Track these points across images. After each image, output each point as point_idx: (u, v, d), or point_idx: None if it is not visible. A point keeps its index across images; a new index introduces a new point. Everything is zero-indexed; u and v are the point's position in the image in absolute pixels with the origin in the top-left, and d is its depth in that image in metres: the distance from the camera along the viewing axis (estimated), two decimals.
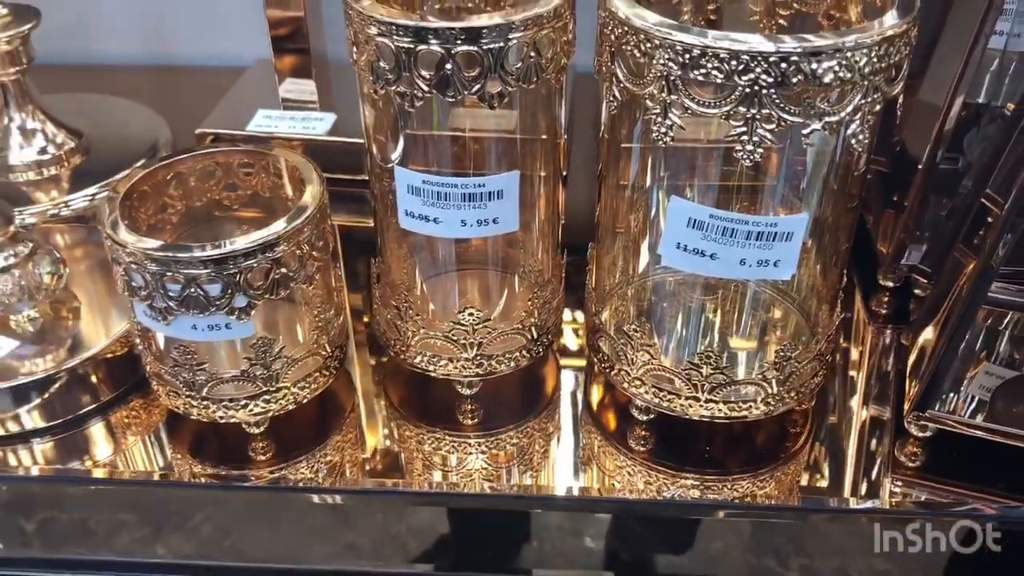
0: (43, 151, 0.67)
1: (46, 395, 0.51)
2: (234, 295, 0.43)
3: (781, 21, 0.48)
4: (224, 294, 0.43)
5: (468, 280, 0.53)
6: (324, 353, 0.49)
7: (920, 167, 0.53)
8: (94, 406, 0.52)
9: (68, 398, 0.51)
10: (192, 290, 0.43)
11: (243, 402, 0.47)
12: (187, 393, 0.47)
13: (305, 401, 0.49)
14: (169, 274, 0.43)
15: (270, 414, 0.48)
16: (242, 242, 0.43)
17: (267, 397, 0.48)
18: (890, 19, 0.37)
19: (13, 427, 0.50)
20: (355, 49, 0.42)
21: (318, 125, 0.71)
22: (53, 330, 0.53)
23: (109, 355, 0.52)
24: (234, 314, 0.44)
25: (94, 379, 0.52)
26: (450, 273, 0.52)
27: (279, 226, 0.44)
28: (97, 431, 0.52)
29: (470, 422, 0.52)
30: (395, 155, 0.46)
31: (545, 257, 0.50)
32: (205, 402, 0.47)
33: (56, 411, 0.51)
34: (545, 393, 0.54)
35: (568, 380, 0.55)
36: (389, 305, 0.50)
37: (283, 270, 0.44)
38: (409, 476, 0.49)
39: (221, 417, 0.48)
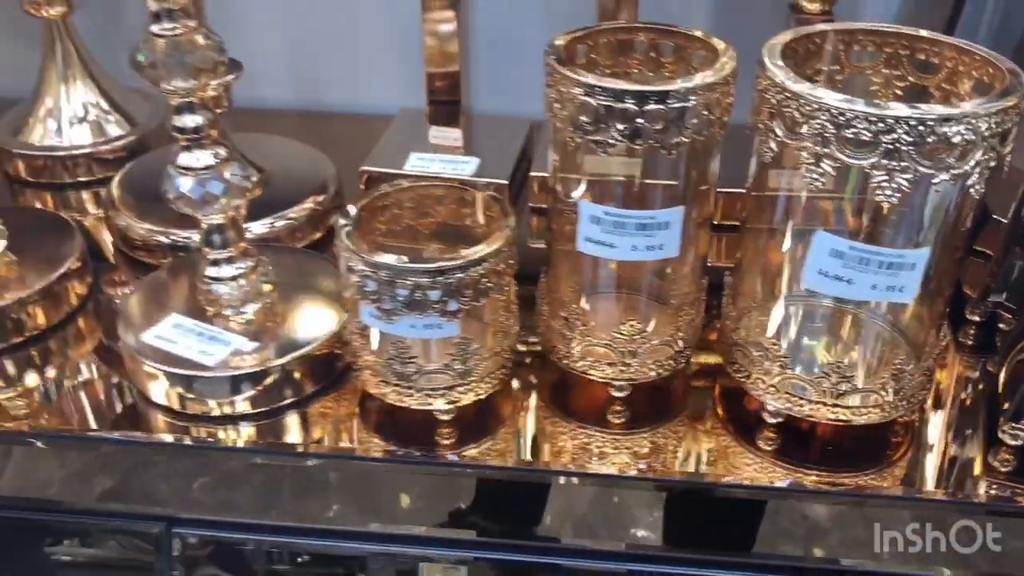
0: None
1: (260, 386, 0.60)
2: (449, 300, 0.53)
3: (897, 91, 0.57)
4: (441, 299, 0.53)
5: (624, 299, 0.62)
6: (504, 355, 0.59)
7: (1006, 221, 0.62)
8: (298, 398, 0.61)
9: (278, 389, 0.61)
10: (417, 295, 0.53)
11: (441, 392, 0.57)
12: (396, 382, 0.57)
13: (486, 395, 0.59)
14: (399, 281, 0.53)
15: (459, 404, 0.58)
16: (459, 258, 0.53)
17: (461, 389, 0.57)
18: (1004, 94, 0.47)
19: (228, 410, 0.60)
20: (557, 104, 0.52)
21: (465, 167, 0.82)
22: (266, 331, 0.63)
23: (317, 353, 0.61)
24: (446, 316, 0.54)
25: (298, 375, 0.61)
26: (608, 292, 0.61)
27: (486, 248, 0.54)
28: (301, 417, 0.61)
29: (618, 421, 0.61)
30: (577, 192, 0.56)
31: (691, 282, 0.60)
32: (410, 390, 0.57)
33: (269, 399, 0.61)
34: (682, 398, 0.63)
35: (702, 388, 0.64)
36: (557, 316, 0.59)
37: (486, 282, 0.54)
38: (566, 464, 0.58)
39: (421, 404, 0.57)
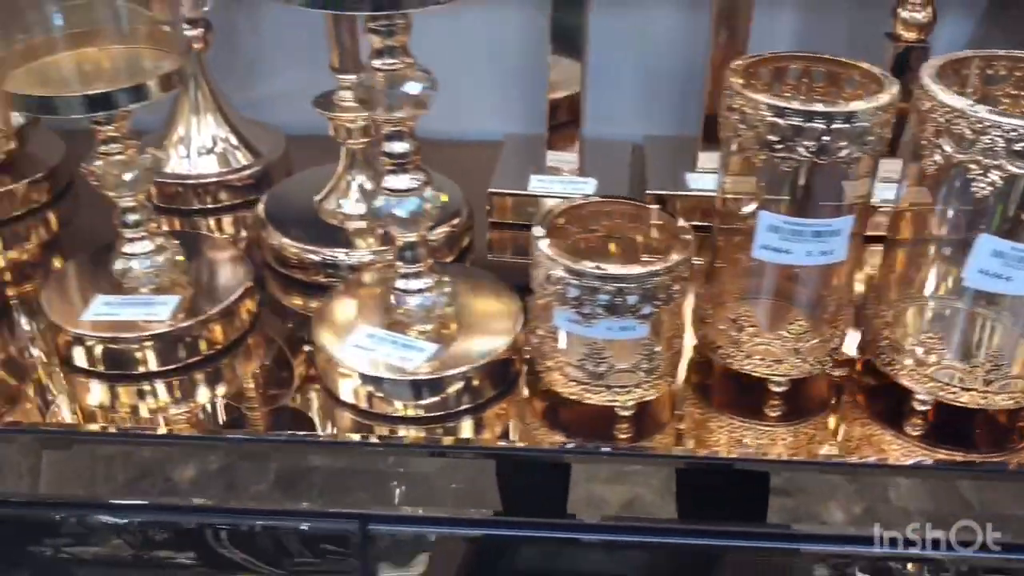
0: None
1: (451, 389, 0.65)
2: (644, 304, 0.59)
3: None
4: (638, 303, 0.59)
5: (776, 303, 0.68)
6: (677, 354, 0.64)
7: None
8: (481, 400, 0.67)
9: (466, 393, 0.66)
10: (617, 299, 0.58)
11: (628, 389, 0.62)
12: (587, 381, 0.62)
13: (661, 392, 0.64)
14: (603, 287, 0.58)
15: (643, 399, 0.63)
16: (655, 266, 0.58)
17: (646, 386, 0.63)
18: None
19: (424, 412, 0.65)
20: (741, 126, 0.59)
21: (584, 187, 0.88)
22: (449, 339, 0.68)
23: (498, 359, 0.67)
24: (640, 319, 0.59)
25: (479, 380, 0.67)
26: (768, 298, 0.67)
27: (676, 256, 0.59)
28: (487, 418, 0.66)
29: (774, 414, 0.67)
30: (749, 207, 0.62)
31: (846, 285, 0.66)
32: (600, 388, 0.62)
33: (459, 401, 0.66)
34: (832, 392, 0.69)
35: (850, 381, 0.70)
36: (724, 319, 0.65)
37: (675, 287, 0.60)
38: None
39: (608, 401, 0.63)
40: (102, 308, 0.70)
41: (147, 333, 0.68)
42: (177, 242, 0.73)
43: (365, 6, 0.54)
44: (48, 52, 0.66)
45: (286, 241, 0.81)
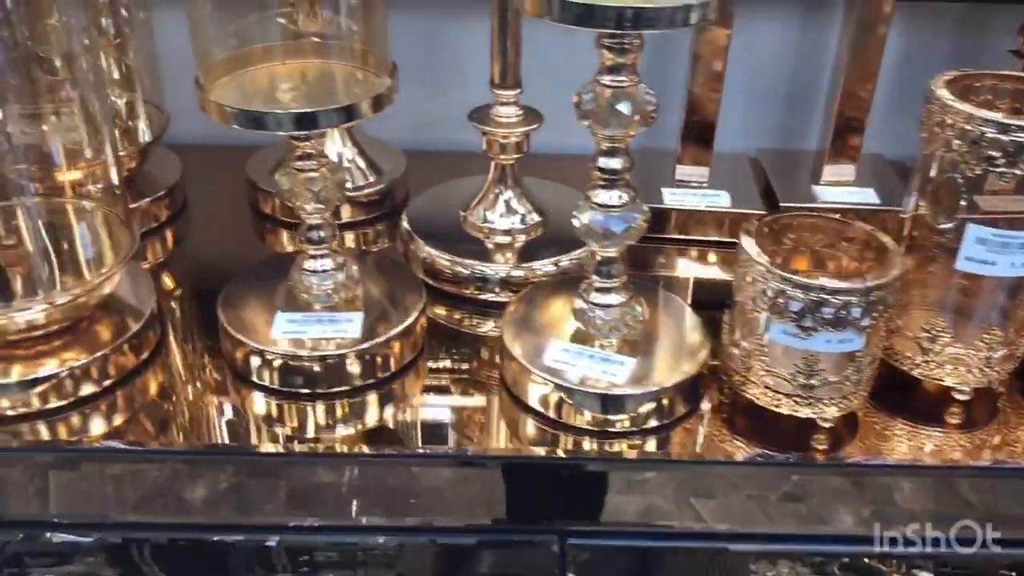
0: (523, 220, 0.83)
1: (649, 405, 0.66)
2: (865, 316, 0.60)
3: None
4: (861, 316, 0.60)
5: (960, 317, 0.70)
6: (876, 364, 0.66)
7: None
8: (682, 413, 0.68)
9: (670, 406, 0.67)
10: (843, 312, 0.60)
11: (836, 400, 0.64)
12: (796, 393, 0.63)
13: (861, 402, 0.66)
14: (830, 300, 0.59)
15: (848, 410, 0.64)
16: (874, 279, 0.60)
17: (852, 397, 0.64)
18: None
19: (627, 426, 0.66)
20: (957, 142, 0.60)
21: (719, 199, 0.89)
22: (639, 352, 0.69)
23: (693, 375, 0.67)
24: (859, 331, 0.61)
25: (674, 396, 0.67)
26: (953, 308, 0.69)
27: (894, 271, 0.61)
28: (685, 430, 0.67)
29: (956, 421, 0.68)
30: (947, 224, 0.64)
31: None
32: (809, 400, 0.63)
33: (652, 417, 0.66)
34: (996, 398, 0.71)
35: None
36: (916, 329, 0.67)
37: (890, 299, 0.61)
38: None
39: (815, 413, 0.64)
40: (286, 326, 0.69)
41: (339, 351, 0.67)
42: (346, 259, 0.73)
43: (610, 24, 0.54)
44: (250, 63, 0.66)
45: (436, 253, 0.80)
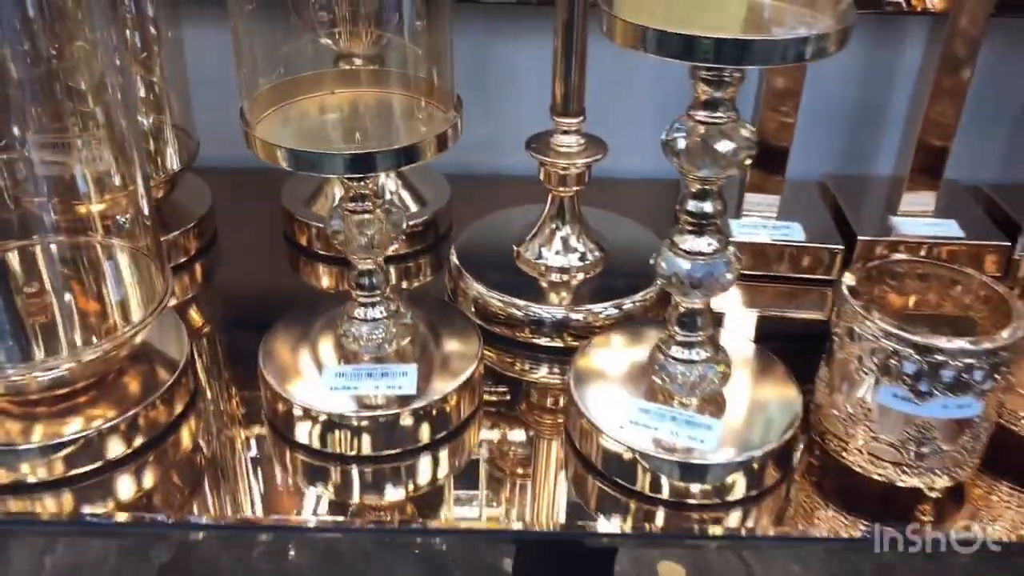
0: (582, 259, 0.77)
1: (738, 473, 0.59)
2: (987, 379, 0.54)
3: None
4: (983, 379, 0.53)
5: None
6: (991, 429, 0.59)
7: None
8: (775, 480, 0.61)
9: (749, 476, 0.60)
10: (963, 376, 0.53)
11: (948, 469, 0.57)
12: (904, 461, 0.57)
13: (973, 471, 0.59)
14: (951, 362, 0.53)
15: (961, 480, 0.58)
16: (999, 339, 0.53)
17: (965, 466, 0.57)
18: None
19: (699, 498, 0.59)
20: None
21: (791, 232, 0.82)
22: (721, 413, 0.62)
23: (786, 441, 0.61)
24: (979, 396, 0.54)
25: (764, 463, 0.60)
26: None
27: (1019, 331, 0.54)
28: (775, 500, 0.61)
29: None
30: None
31: None
32: (918, 469, 0.57)
33: (741, 486, 0.60)
34: None
35: None
36: None
37: (1012, 358, 0.55)
38: None
39: (924, 483, 0.57)
40: (335, 380, 0.63)
41: (395, 411, 0.61)
42: (399, 305, 0.67)
43: (714, 59, 0.48)
44: (298, 92, 0.60)
45: (487, 292, 0.75)
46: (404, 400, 0.62)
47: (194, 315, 0.79)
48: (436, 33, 0.59)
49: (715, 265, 0.57)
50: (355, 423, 0.61)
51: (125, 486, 0.60)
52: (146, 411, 0.62)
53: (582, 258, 0.77)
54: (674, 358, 0.61)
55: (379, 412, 0.61)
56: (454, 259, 0.78)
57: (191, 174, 0.88)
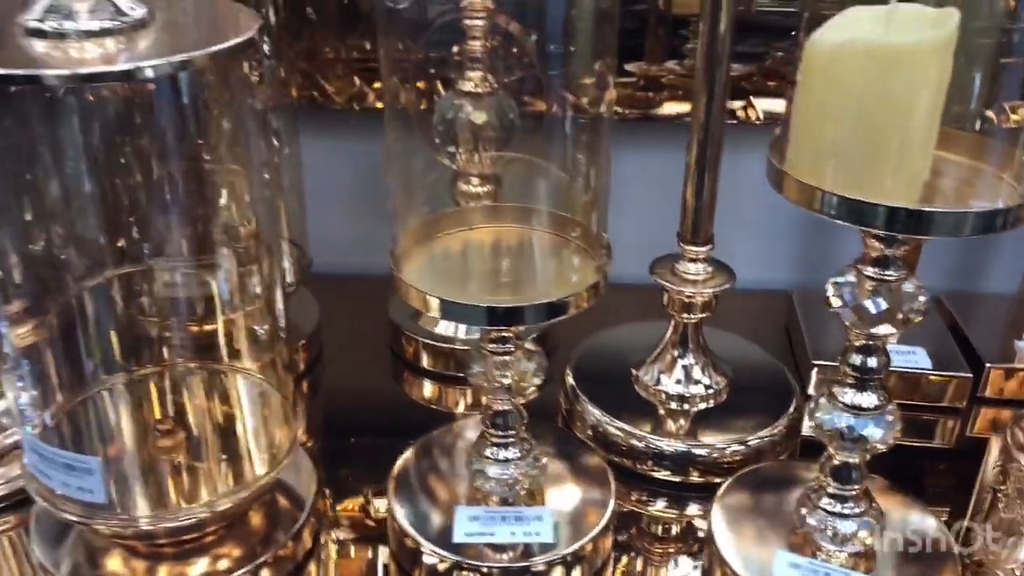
0: (705, 390, 0.75)
1: None
2: None
3: None
4: None
5: None
6: None
7: None
8: None
9: None
10: None
11: None
12: None
13: None
14: None
15: None
16: None
17: None
18: None
19: None
20: None
21: (916, 358, 0.80)
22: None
23: None
24: None
25: None
26: None
27: None
28: None
29: None
30: None
31: None
32: None
33: None
34: None
35: None
36: None
37: None
38: None
39: None
40: (469, 525, 0.61)
41: (528, 561, 0.59)
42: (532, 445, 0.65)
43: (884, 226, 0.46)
44: (442, 228, 0.59)
45: (606, 419, 0.73)
46: (541, 548, 0.60)
47: (305, 438, 0.77)
48: (598, 175, 0.58)
49: (877, 421, 0.55)
50: (490, 571, 0.59)
51: None
52: (275, 552, 0.61)
53: (705, 388, 0.75)
54: (825, 510, 0.58)
55: (515, 563, 0.59)
56: (570, 379, 0.77)
57: (303, 289, 0.88)
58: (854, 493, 0.58)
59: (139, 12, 0.49)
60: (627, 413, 0.73)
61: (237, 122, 0.53)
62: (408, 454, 0.68)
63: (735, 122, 0.87)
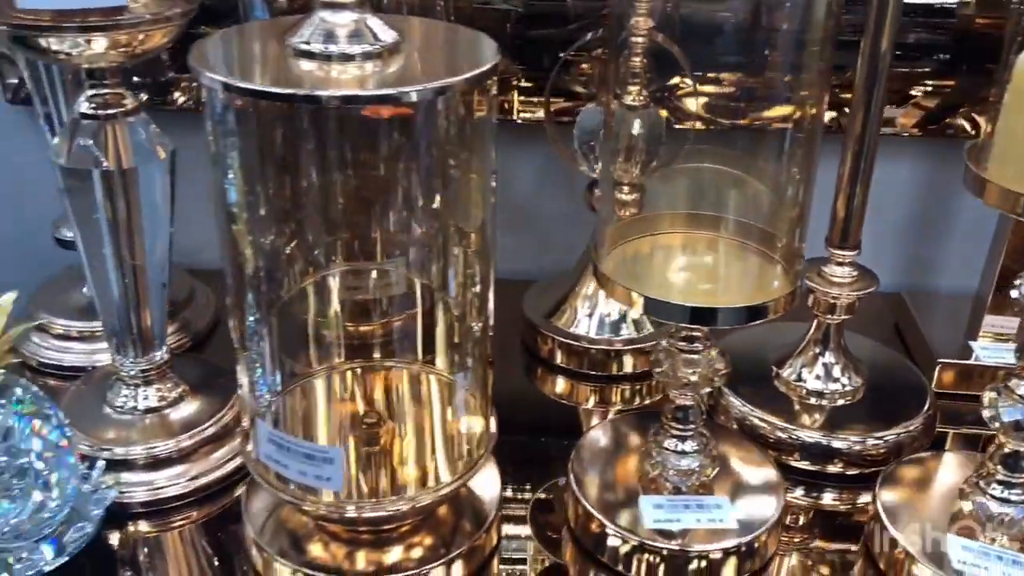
0: (843, 387, 0.79)
1: None
2: None
3: None
4: None
5: None
6: None
7: None
8: None
9: None
10: None
11: None
12: None
13: None
14: None
15: None
16: None
17: None
18: None
19: None
20: None
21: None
22: None
23: None
24: None
25: None
26: None
27: None
28: None
29: None
30: None
31: None
32: None
33: None
34: None
35: None
36: None
37: None
38: None
39: None
40: (654, 512, 0.65)
41: (713, 545, 0.63)
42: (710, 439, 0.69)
43: None
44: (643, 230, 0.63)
45: (751, 410, 0.77)
46: (723, 534, 0.64)
47: None
48: (803, 187, 0.61)
49: None
50: (678, 554, 0.63)
51: None
52: (471, 544, 0.64)
53: (843, 385, 0.79)
54: (995, 497, 0.63)
55: (701, 547, 0.63)
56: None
57: None
58: (1022, 480, 0.62)
59: (391, 37, 0.53)
60: (769, 407, 0.77)
61: (476, 134, 0.57)
62: (581, 445, 0.72)
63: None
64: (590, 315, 0.90)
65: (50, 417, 0.61)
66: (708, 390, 0.66)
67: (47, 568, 0.61)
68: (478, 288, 0.62)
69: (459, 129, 0.57)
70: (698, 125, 0.69)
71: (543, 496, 0.73)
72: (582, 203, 0.90)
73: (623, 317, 0.89)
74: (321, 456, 0.57)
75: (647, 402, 0.86)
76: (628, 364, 0.88)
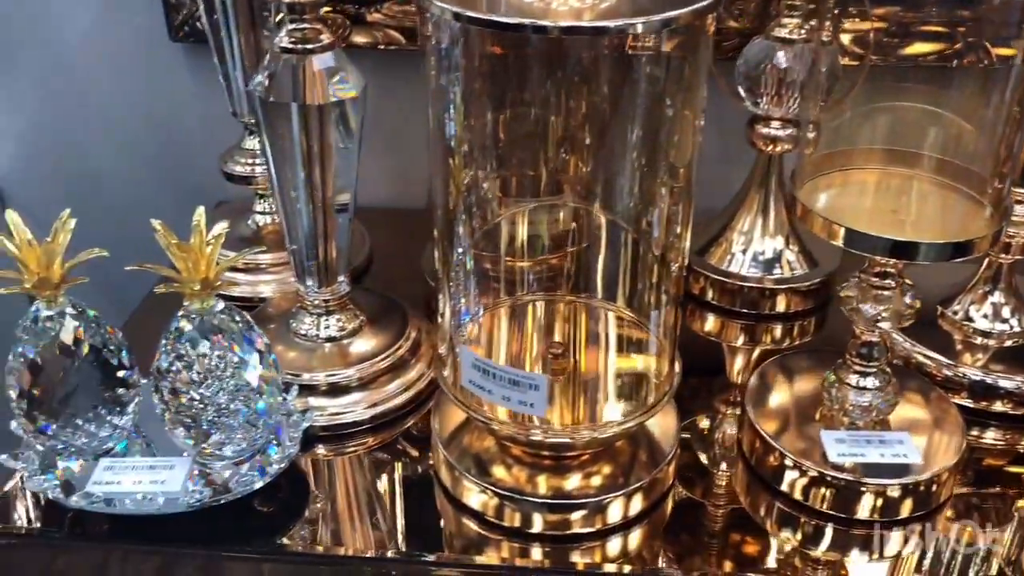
0: (1011, 327, 0.78)
1: None
2: None
3: None
4: None
5: None
6: None
7: None
8: None
9: None
10: None
11: None
12: None
13: None
14: None
15: None
16: None
17: None
18: None
19: None
20: None
21: None
22: None
23: None
24: None
25: None
26: None
27: None
28: None
29: None
30: None
31: None
32: None
33: None
34: None
35: None
36: None
37: None
38: None
39: None
40: (837, 446, 0.66)
41: (897, 479, 0.64)
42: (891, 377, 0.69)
43: None
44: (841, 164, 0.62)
45: (914, 349, 0.77)
46: (909, 469, 0.64)
47: None
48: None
49: None
50: (861, 487, 0.64)
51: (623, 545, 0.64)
52: (653, 476, 0.66)
53: (1011, 326, 0.78)
54: None
55: (884, 480, 0.64)
56: None
57: None
58: None
59: None
60: (934, 345, 0.77)
61: (693, 71, 0.57)
62: (754, 380, 0.72)
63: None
64: (744, 251, 0.89)
65: (257, 347, 0.63)
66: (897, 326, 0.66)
67: (256, 487, 0.64)
68: (678, 229, 0.63)
69: (679, 64, 0.57)
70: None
71: (710, 429, 0.74)
72: (733, 139, 0.89)
73: (777, 256, 0.89)
74: (527, 382, 0.59)
75: (797, 343, 0.86)
76: (781, 304, 0.88)
